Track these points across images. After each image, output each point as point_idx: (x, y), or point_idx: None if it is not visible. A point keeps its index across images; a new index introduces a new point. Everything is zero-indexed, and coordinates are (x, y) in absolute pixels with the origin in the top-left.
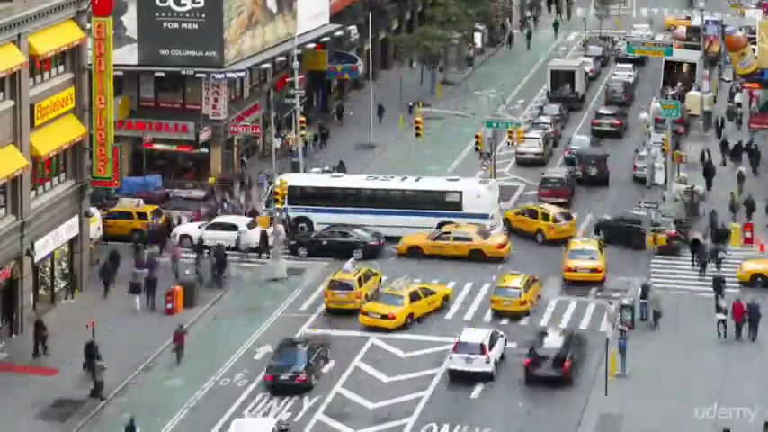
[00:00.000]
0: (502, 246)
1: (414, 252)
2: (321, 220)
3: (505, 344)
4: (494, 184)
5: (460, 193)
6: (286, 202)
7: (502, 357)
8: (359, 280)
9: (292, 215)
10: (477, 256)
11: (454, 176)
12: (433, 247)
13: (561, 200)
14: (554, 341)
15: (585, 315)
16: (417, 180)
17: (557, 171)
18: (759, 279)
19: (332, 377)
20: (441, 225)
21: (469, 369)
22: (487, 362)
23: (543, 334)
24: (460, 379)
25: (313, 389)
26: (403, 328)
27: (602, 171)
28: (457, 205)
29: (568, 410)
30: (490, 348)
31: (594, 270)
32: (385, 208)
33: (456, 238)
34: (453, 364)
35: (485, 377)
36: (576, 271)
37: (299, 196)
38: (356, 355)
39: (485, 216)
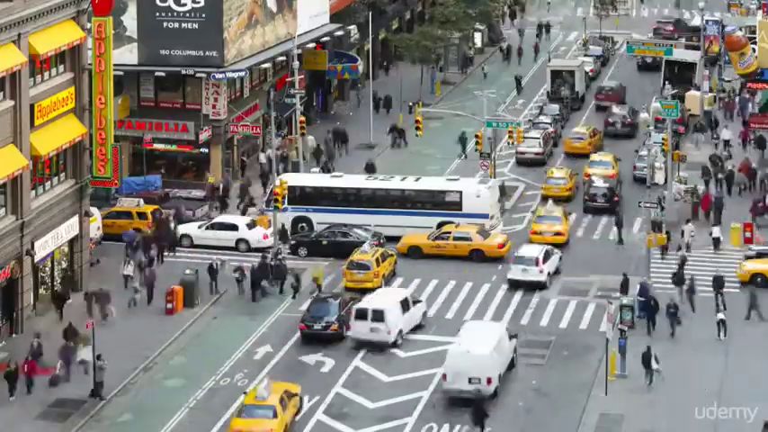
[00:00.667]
0: (502, 246)
1: (414, 252)
2: (321, 219)
3: (560, 260)
4: (494, 184)
5: (460, 193)
6: (286, 201)
7: (557, 271)
8: (376, 260)
9: (290, 216)
10: (477, 256)
11: (454, 176)
12: (432, 247)
13: (615, 103)
14: (600, 183)
15: (585, 315)
16: (417, 180)
17: (610, 81)
18: (759, 279)
19: (332, 377)
20: (441, 225)
21: (525, 279)
22: (541, 272)
23: (591, 179)
24: (517, 287)
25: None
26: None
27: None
28: (457, 205)
29: (568, 410)
30: (544, 262)
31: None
32: (385, 208)
33: (456, 238)
34: (511, 274)
35: (538, 286)
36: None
37: (299, 196)
38: (356, 355)
39: (485, 216)
